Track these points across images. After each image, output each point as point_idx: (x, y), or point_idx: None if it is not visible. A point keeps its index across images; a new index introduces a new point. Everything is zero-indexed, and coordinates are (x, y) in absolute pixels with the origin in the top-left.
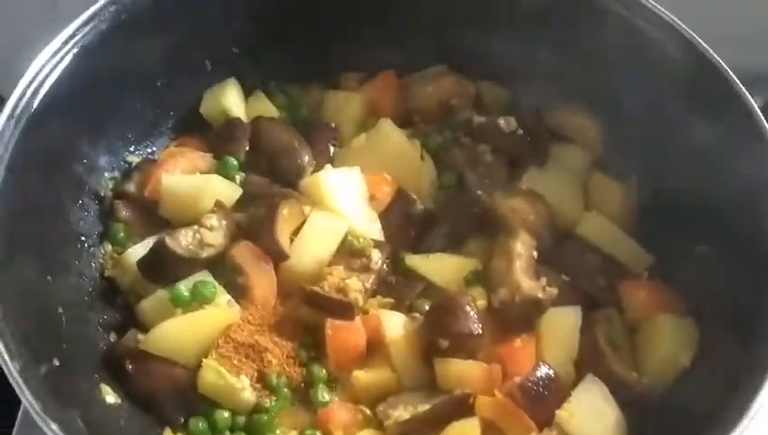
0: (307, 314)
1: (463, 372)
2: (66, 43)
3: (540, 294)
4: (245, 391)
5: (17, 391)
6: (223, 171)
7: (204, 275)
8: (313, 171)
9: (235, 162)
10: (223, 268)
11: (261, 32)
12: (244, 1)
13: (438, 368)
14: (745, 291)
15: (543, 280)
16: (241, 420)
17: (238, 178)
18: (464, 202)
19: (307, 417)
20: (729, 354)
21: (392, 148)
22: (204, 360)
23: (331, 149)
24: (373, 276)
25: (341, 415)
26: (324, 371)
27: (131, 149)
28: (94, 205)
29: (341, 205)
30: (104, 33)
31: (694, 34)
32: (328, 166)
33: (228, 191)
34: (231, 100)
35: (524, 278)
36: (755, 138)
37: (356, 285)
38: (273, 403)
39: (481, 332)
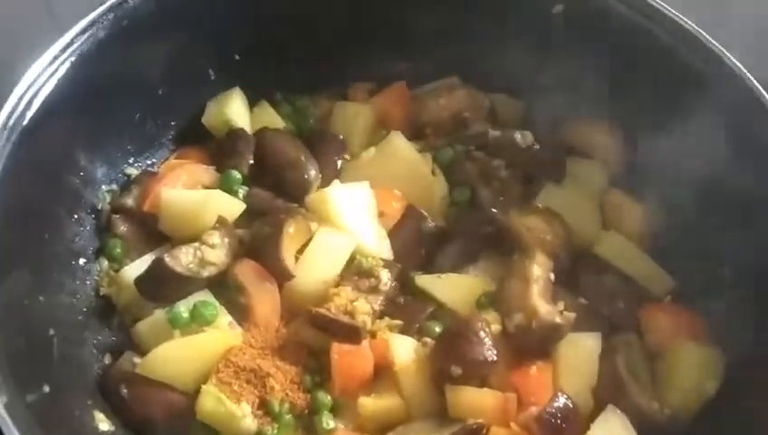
0: (312, 338)
1: (476, 400)
2: (63, 51)
3: (558, 320)
4: (246, 418)
5: (1, 423)
6: (225, 185)
7: (204, 295)
8: (320, 186)
9: (239, 176)
10: (224, 287)
11: (266, 38)
12: (249, 5)
13: (450, 396)
14: None
15: (561, 304)
16: None
17: (241, 192)
18: (476, 220)
19: None
20: (756, 384)
21: (402, 162)
22: (203, 385)
23: (339, 162)
24: (381, 298)
25: None
26: (329, 397)
27: (130, 161)
28: (90, 219)
29: (349, 222)
30: (102, 40)
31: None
32: (335, 181)
33: (231, 206)
34: (235, 110)
35: (542, 303)
36: None
37: (364, 308)
38: (275, 431)
39: (495, 359)
